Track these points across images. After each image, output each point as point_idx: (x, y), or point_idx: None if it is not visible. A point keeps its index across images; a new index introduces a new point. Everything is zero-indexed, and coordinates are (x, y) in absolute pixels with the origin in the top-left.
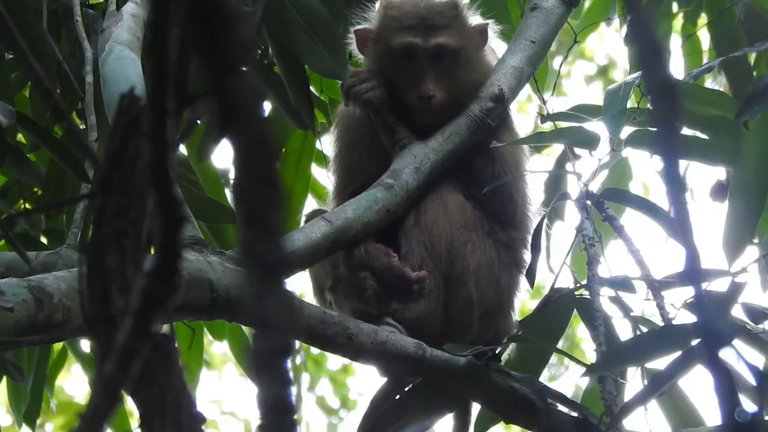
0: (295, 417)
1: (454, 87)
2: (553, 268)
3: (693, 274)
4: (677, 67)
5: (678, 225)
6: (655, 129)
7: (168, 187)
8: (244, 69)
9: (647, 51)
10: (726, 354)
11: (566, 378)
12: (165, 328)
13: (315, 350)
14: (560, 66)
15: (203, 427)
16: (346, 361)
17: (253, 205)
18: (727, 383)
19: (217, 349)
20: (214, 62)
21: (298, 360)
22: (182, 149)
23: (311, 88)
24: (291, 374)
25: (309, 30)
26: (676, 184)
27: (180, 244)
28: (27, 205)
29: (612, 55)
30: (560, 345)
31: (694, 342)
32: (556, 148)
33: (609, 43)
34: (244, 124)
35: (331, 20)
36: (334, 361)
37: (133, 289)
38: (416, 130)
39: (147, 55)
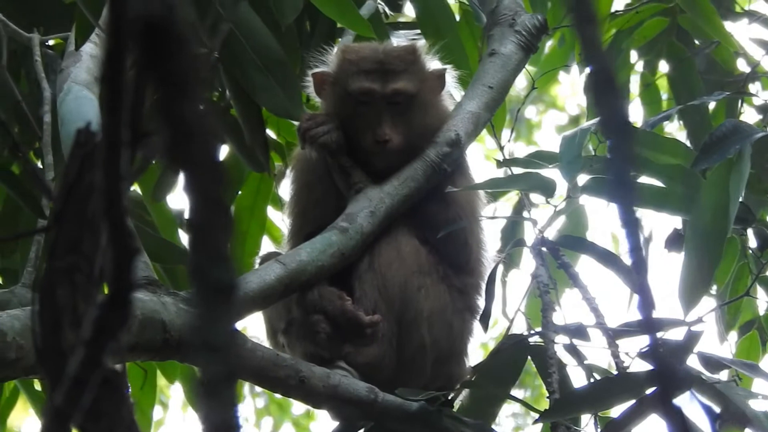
0: None
1: (411, 131)
2: (507, 314)
3: (648, 320)
4: (636, 115)
5: (634, 270)
6: (610, 171)
7: (121, 217)
8: (195, 92)
9: (602, 85)
10: (681, 401)
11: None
12: (116, 365)
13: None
14: (517, 112)
15: None
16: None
17: (202, 228)
18: (681, 430)
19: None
20: (163, 84)
21: (261, 403)
22: (137, 190)
23: (268, 130)
24: (236, 400)
25: (264, 69)
26: (631, 225)
27: (132, 275)
28: None
29: (584, 106)
30: (524, 395)
31: (649, 390)
32: (515, 196)
33: (581, 93)
34: (193, 145)
35: (286, 60)
36: (298, 406)
37: (85, 321)
38: (372, 174)
39: (100, 85)
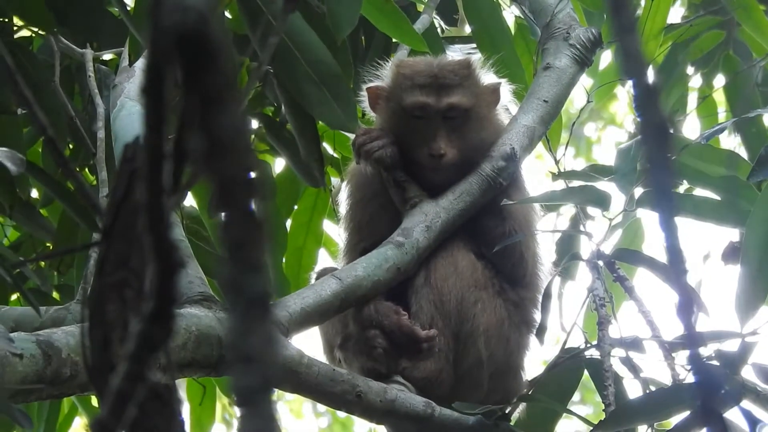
0: None
1: (466, 145)
2: (565, 327)
3: (687, 323)
4: (693, 129)
5: (671, 270)
6: (649, 178)
7: (164, 231)
8: (230, 105)
9: (643, 95)
10: (731, 414)
11: None
12: (167, 380)
13: (342, 413)
14: (572, 125)
15: None
16: (373, 424)
17: (235, 240)
18: None
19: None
20: (200, 97)
21: (324, 423)
22: (194, 204)
23: (324, 144)
24: (274, 411)
25: (319, 83)
26: (670, 226)
27: (175, 289)
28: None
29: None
30: (586, 412)
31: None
32: (571, 209)
33: None
34: (227, 156)
35: (341, 74)
36: (361, 424)
37: (129, 335)
38: (427, 189)
39: (142, 98)
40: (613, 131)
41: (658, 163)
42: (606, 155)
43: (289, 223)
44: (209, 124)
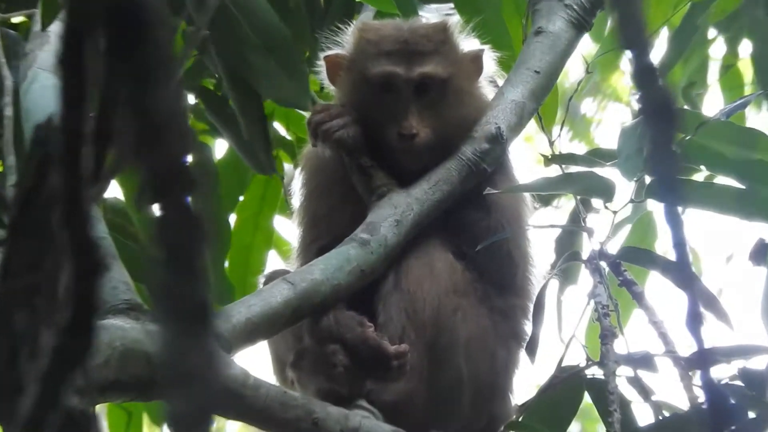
0: None
1: (442, 124)
2: (562, 340)
3: (696, 336)
4: (715, 103)
5: (678, 269)
6: (652, 164)
7: (82, 225)
8: (165, 81)
9: (641, 68)
10: None
11: None
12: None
13: None
14: (569, 101)
15: None
16: None
17: (170, 240)
18: None
19: None
20: (127, 67)
21: None
22: (119, 195)
23: (275, 123)
24: None
25: (266, 52)
26: (675, 219)
27: (97, 295)
28: None
29: None
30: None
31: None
32: (570, 200)
33: None
34: (163, 145)
35: (292, 41)
36: None
37: (42, 351)
38: (397, 176)
39: (58, 70)
40: (615, 108)
41: (660, 149)
42: (607, 137)
43: (233, 217)
44: (139, 102)
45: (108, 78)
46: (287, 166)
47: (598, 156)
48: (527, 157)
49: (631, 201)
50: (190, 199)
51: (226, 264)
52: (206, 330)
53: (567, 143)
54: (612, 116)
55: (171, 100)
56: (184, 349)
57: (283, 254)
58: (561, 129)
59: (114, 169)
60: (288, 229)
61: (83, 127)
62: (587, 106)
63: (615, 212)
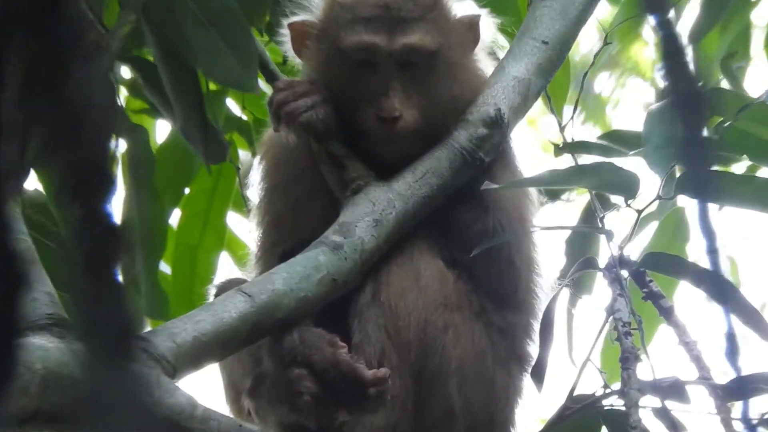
0: None
1: (431, 105)
2: (575, 364)
3: (737, 372)
4: (759, 80)
5: (714, 279)
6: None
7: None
8: (86, 59)
9: (669, 47)
10: None
11: None
12: None
13: None
14: (583, 77)
15: None
16: None
17: (87, 247)
18: None
19: None
20: (45, 47)
21: None
22: (38, 188)
23: (229, 101)
24: None
25: (206, 23)
26: (706, 220)
27: (17, 313)
28: None
29: None
30: None
31: None
32: (584, 197)
33: None
34: (79, 136)
35: (238, 10)
36: None
37: None
38: (376, 167)
39: None
40: (637, 86)
41: (691, 136)
42: (627, 120)
43: (177, 214)
44: (57, 89)
45: (22, 59)
46: (243, 154)
47: (617, 141)
48: (531, 144)
49: (659, 198)
50: (106, 200)
51: (169, 271)
52: (127, 351)
53: (580, 128)
54: (632, 95)
55: (89, 85)
56: (104, 374)
57: (239, 259)
58: (574, 111)
59: (33, 160)
60: (244, 228)
61: None
62: (602, 82)
63: (639, 211)
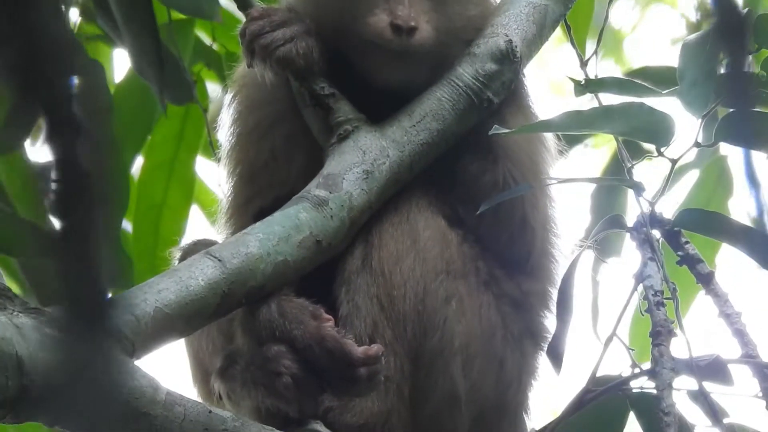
0: None
1: (445, 23)
2: (599, 339)
3: None
4: None
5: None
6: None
7: None
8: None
9: None
10: None
11: None
12: None
13: None
14: (608, 5)
15: None
16: None
17: (59, 203)
18: None
19: None
20: None
21: None
22: None
23: (198, 31)
24: None
25: None
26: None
27: None
28: None
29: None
30: None
31: None
32: (610, 144)
33: None
34: (44, 79)
35: None
36: None
37: None
38: (368, 108)
39: None
40: (662, 14)
41: (734, 73)
42: (649, 55)
43: (138, 163)
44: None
45: None
46: (213, 90)
47: (646, 78)
48: (547, 81)
49: (696, 145)
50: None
51: (129, 230)
52: (99, 325)
53: (600, 63)
54: (655, 28)
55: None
56: (74, 352)
57: (211, 215)
58: (598, 43)
59: None
60: (215, 178)
61: None
62: (620, 14)
63: (673, 160)
